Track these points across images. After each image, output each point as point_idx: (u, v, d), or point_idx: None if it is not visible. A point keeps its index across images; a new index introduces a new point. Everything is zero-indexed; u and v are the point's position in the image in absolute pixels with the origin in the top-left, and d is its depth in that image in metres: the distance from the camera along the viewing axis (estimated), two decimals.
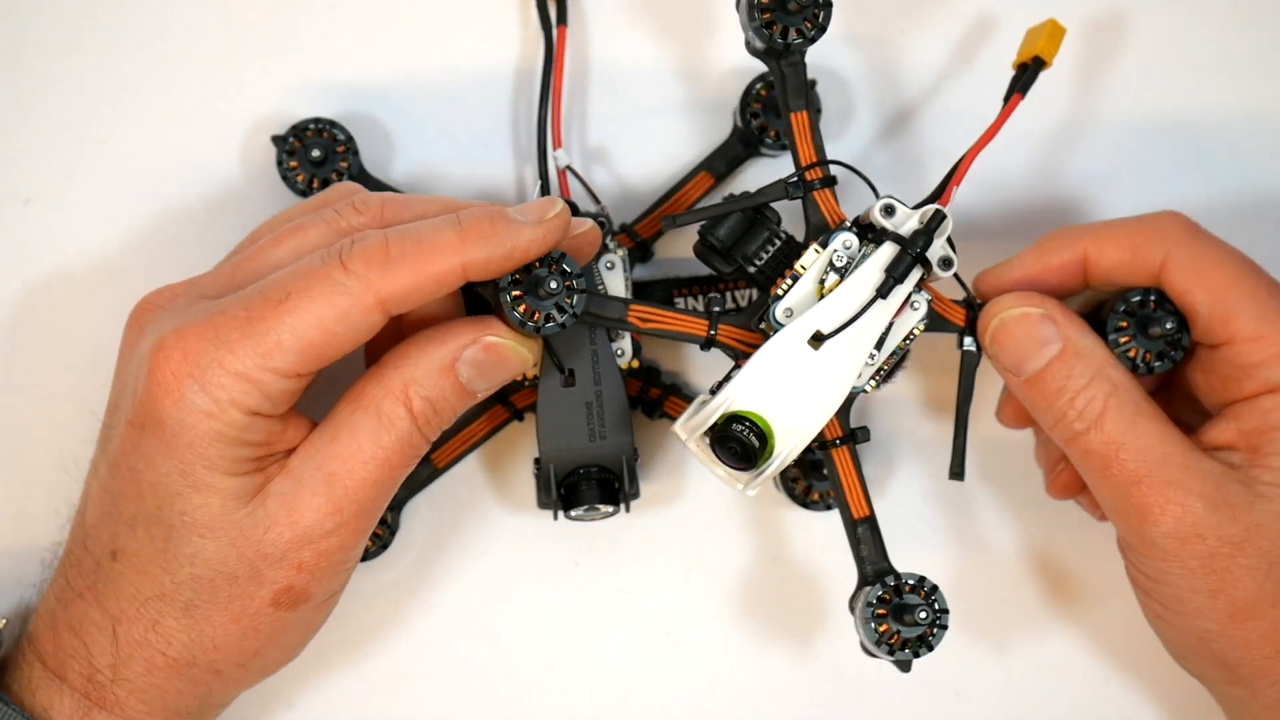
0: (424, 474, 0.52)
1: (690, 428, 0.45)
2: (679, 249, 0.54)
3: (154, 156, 0.53)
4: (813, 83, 0.53)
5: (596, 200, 0.53)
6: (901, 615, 0.45)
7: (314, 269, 0.41)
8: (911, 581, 0.45)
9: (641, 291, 0.52)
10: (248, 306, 0.41)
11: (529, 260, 0.43)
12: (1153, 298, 0.46)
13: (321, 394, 0.45)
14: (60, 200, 0.53)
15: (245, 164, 0.53)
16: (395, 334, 0.45)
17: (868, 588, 0.46)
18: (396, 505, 0.53)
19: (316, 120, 0.51)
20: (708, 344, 0.46)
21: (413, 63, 0.54)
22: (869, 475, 0.48)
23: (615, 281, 0.50)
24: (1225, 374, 0.45)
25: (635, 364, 0.50)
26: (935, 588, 0.45)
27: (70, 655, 0.43)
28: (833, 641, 0.54)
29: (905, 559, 0.47)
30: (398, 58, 0.54)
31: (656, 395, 0.52)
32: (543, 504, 0.50)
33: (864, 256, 0.45)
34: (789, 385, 0.45)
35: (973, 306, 0.47)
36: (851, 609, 0.47)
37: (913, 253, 0.44)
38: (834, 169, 0.46)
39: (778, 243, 0.46)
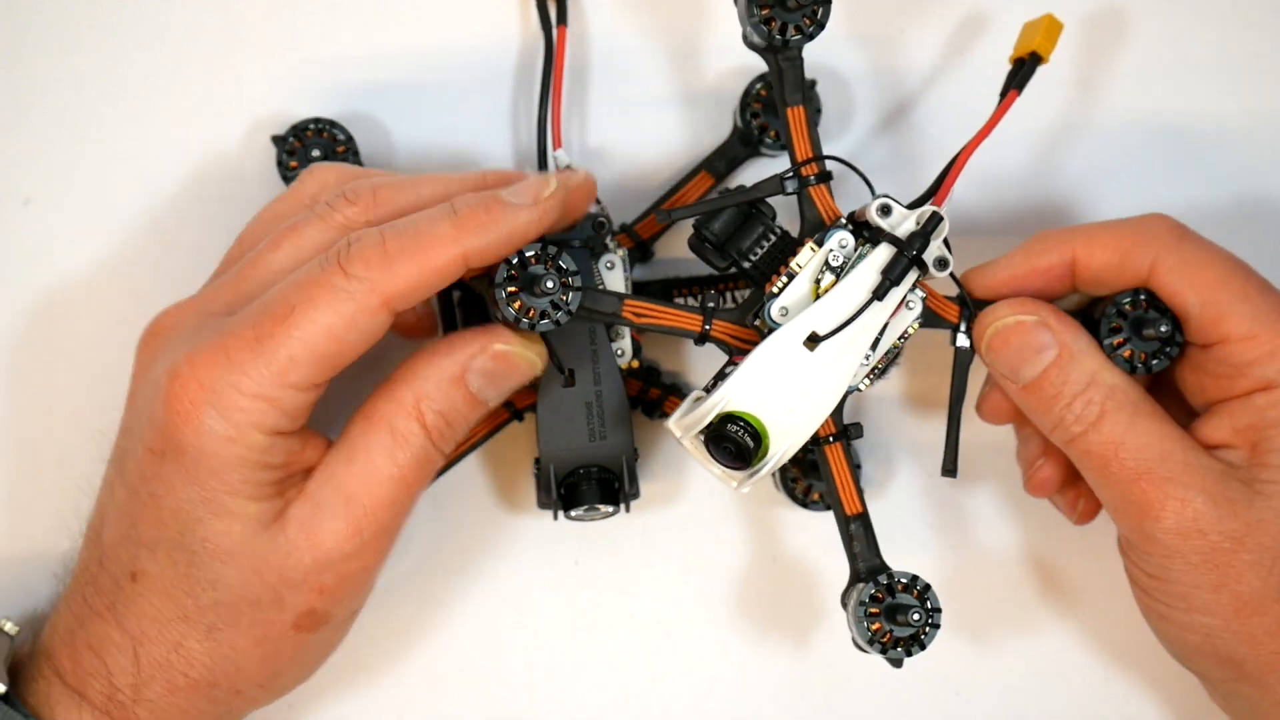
0: None
1: (685, 426, 0.45)
2: (679, 249, 0.54)
3: (154, 157, 0.53)
4: (813, 82, 0.53)
5: (596, 200, 0.53)
6: (894, 615, 0.45)
7: (314, 277, 0.41)
8: (904, 580, 0.45)
9: (641, 291, 0.52)
10: (255, 325, 0.41)
11: (529, 241, 0.43)
12: (1143, 298, 0.46)
13: (329, 403, 0.45)
14: (60, 200, 0.53)
15: (245, 164, 0.53)
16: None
17: (860, 585, 0.46)
18: None
19: (316, 120, 0.51)
20: (702, 339, 0.46)
21: (413, 62, 0.54)
22: (862, 475, 0.48)
23: (615, 281, 0.50)
24: (1217, 373, 0.45)
25: (635, 364, 0.50)
26: (928, 586, 0.45)
27: (90, 673, 0.43)
28: (832, 641, 0.54)
29: (899, 557, 0.47)
30: (398, 58, 0.54)
31: (656, 395, 0.52)
32: (543, 504, 0.50)
33: (860, 257, 0.45)
34: (784, 386, 0.45)
35: (967, 304, 0.47)
36: (844, 605, 0.47)
37: (909, 255, 0.44)
38: (830, 164, 0.46)
39: (772, 238, 0.46)
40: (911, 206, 0.46)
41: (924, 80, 0.54)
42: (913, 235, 0.44)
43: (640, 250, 0.53)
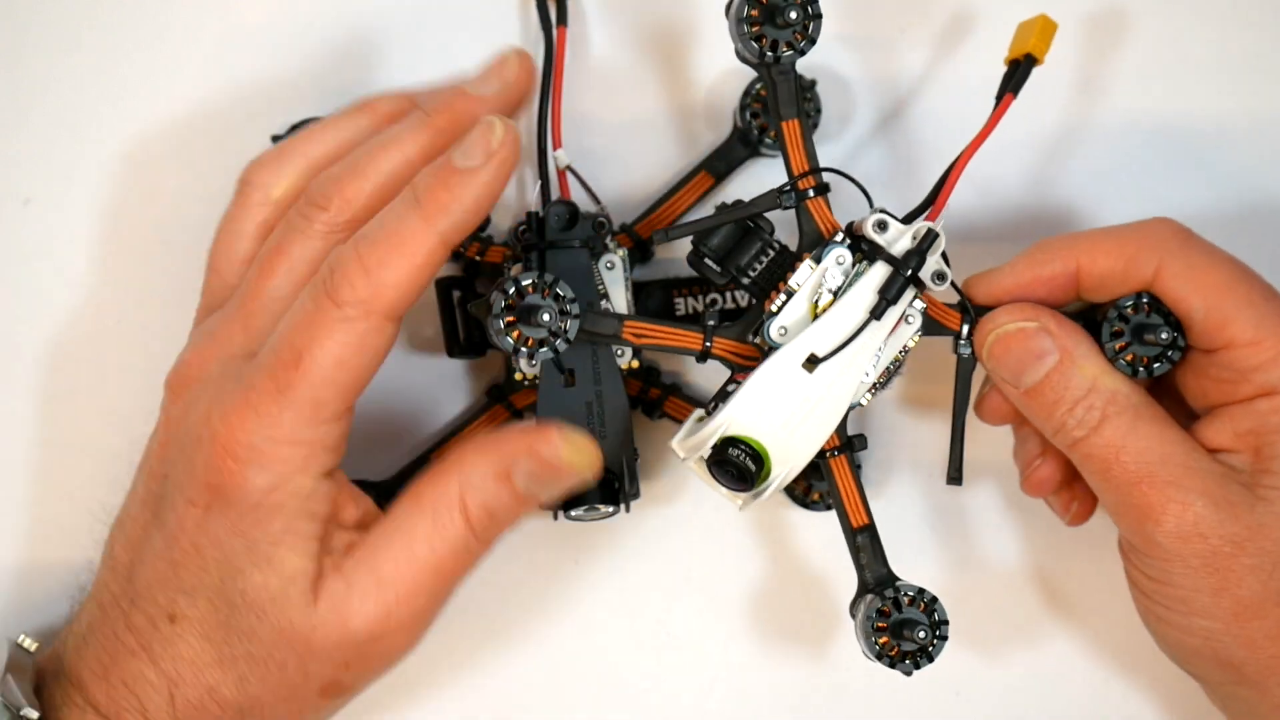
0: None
1: (687, 447, 0.45)
2: (679, 249, 0.54)
3: (154, 156, 0.53)
4: (812, 82, 0.53)
5: (596, 200, 0.53)
6: (901, 630, 0.45)
7: (311, 316, 0.41)
8: (911, 593, 0.46)
9: (641, 291, 0.52)
10: (272, 376, 0.41)
11: (497, 197, 0.41)
12: (1146, 301, 0.46)
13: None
14: (60, 200, 0.53)
15: (245, 164, 0.53)
16: None
17: (869, 597, 0.46)
18: None
19: (316, 120, 0.51)
20: (703, 357, 0.46)
21: (412, 62, 0.54)
22: (866, 481, 0.48)
23: (615, 281, 0.50)
24: (1220, 377, 0.45)
25: (635, 364, 0.50)
26: (935, 599, 0.46)
27: (125, 708, 0.43)
28: (832, 641, 0.54)
29: (903, 565, 0.47)
30: (397, 58, 0.54)
31: (656, 395, 0.52)
32: None
33: (857, 275, 0.45)
34: (784, 408, 0.45)
35: (968, 311, 0.47)
36: (852, 615, 0.47)
37: (905, 274, 0.44)
38: (828, 175, 0.46)
39: (771, 253, 0.46)
40: (910, 216, 0.46)
41: (921, 83, 0.54)
42: (909, 254, 0.44)
43: (640, 250, 0.53)
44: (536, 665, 0.54)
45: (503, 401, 0.52)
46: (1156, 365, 0.46)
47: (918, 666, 0.45)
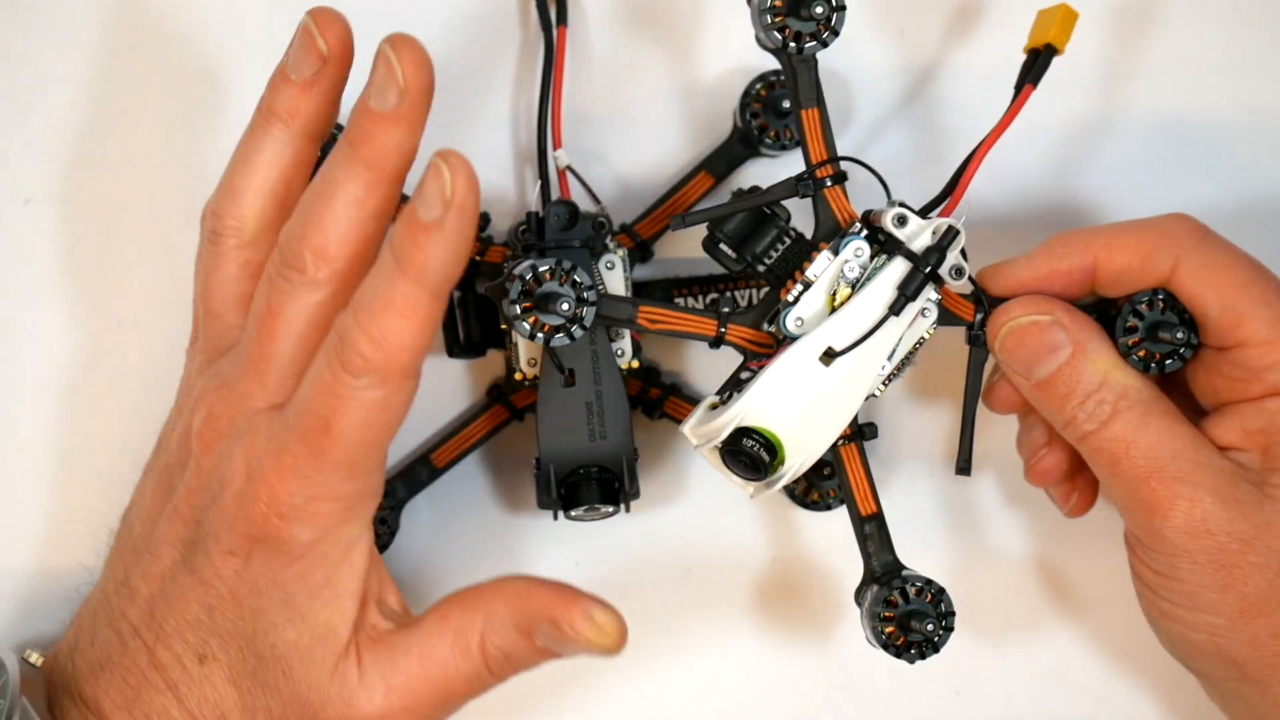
0: (424, 474, 0.52)
1: (700, 435, 0.45)
2: (679, 249, 0.54)
3: (154, 156, 0.53)
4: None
5: (596, 200, 0.53)
6: (908, 621, 0.45)
7: (329, 386, 0.41)
8: (918, 584, 0.46)
9: (641, 291, 0.52)
10: (304, 441, 0.41)
11: (472, 239, 0.40)
12: (1160, 297, 0.46)
13: None
14: (60, 200, 0.53)
15: None
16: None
17: (875, 586, 0.46)
18: (397, 505, 0.53)
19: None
20: (717, 342, 0.46)
21: None
22: (873, 471, 0.48)
23: (615, 281, 0.50)
24: (1231, 375, 0.45)
25: (635, 364, 0.50)
26: (942, 590, 0.46)
27: None
28: (832, 640, 0.54)
29: (909, 556, 0.47)
30: None
31: (656, 395, 0.52)
32: (543, 504, 0.50)
33: (875, 270, 0.45)
34: (800, 401, 0.45)
35: (982, 302, 0.47)
36: (857, 602, 0.47)
37: (925, 271, 0.44)
38: (846, 164, 0.46)
39: (787, 241, 0.46)
40: (928, 207, 0.46)
41: (940, 69, 0.54)
42: (929, 250, 0.44)
43: (640, 250, 0.53)
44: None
45: (503, 401, 0.52)
46: (1169, 362, 0.46)
47: (923, 657, 0.46)
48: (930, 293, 0.45)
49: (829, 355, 0.45)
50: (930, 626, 0.45)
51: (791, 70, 0.45)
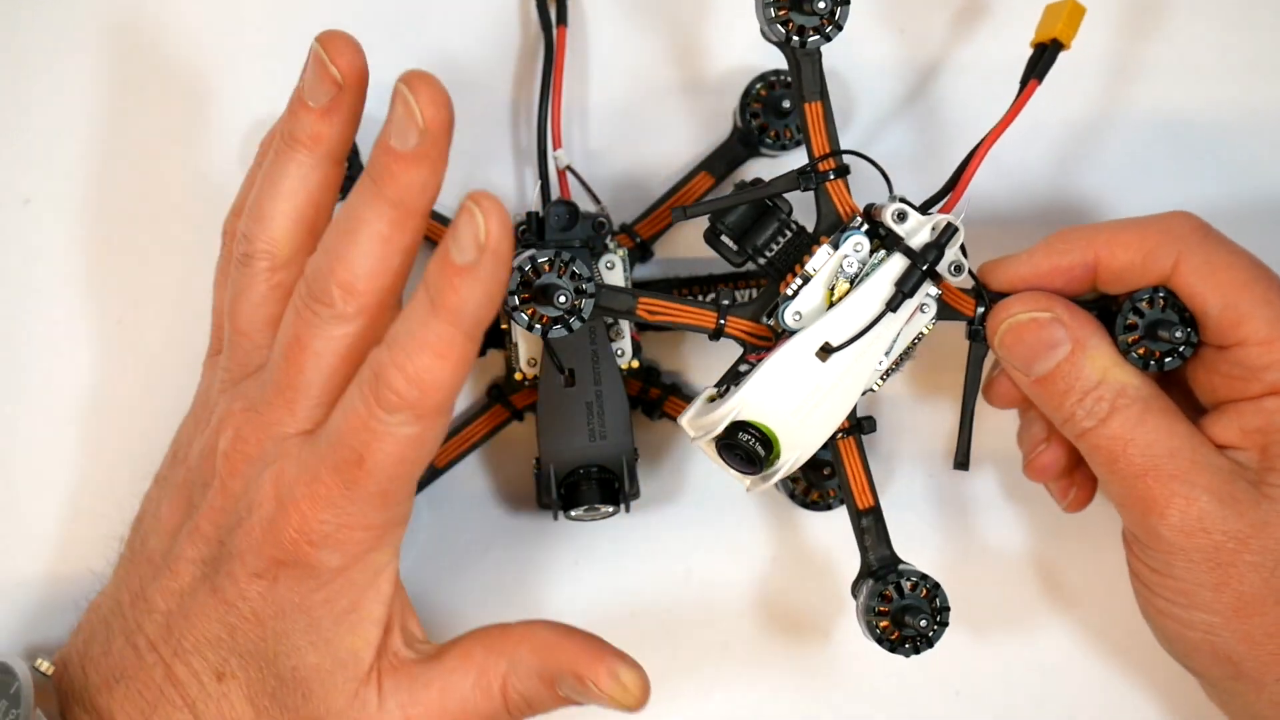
0: (424, 474, 0.52)
1: (697, 427, 0.45)
2: (679, 249, 0.54)
3: (154, 157, 0.53)
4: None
5: (596, 200, 0.53)
6: (902, 615, 0.45)
7: (364, 421, 0.41)
8: (914, 579, 0.46)
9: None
10: (337, 472, 0.42)
11: (506, 282, 0.40)
12: (1161, 295, 0.46)
13: None
14: (60, 200, 0.53)
15: (245, 165, 0.53)
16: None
17: (871, 580, 0.46)
18: None
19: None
20: (716, 334, 0.46)
21: (413, 63, 0.53)
22: (872, 466, 0.48)
23: (615, 281, 0.50)
24: (1231, 374, 0.45)
25: (635, 364, 0.50)
26: (937, 585, 0.46)
27: None
28: (832, 640, 0.54)
29: (907, 551, 0.47)
30: (398, 58, 0.53)
31: (656, 395, 0.52)
32: (543, 504, 0.50)
33: (874, 265, 0.45)
34: (797, 396, 0.45)
35: (982, 297, 0.47)
36: (854, 596, 0.47)
37: (922, 268, 0.44)
38: (848, 157, 0.46)
39: (788, 233, 0.46)
40: (929, 202, 0.46)
41: (944, 63, 0.54)
42: (927, 247, 0.44)
43: (640, 250, 0.53)
44: None
45: (503, 401, 0.52)
46: (1168, 360, 0.46)
47: (917, 651, 0.46)
48: (929, 288, 0.45)
49: (826, 350, 0.45)
50: (924, 622, 0.45)
51: (795, 64, 0.45)
